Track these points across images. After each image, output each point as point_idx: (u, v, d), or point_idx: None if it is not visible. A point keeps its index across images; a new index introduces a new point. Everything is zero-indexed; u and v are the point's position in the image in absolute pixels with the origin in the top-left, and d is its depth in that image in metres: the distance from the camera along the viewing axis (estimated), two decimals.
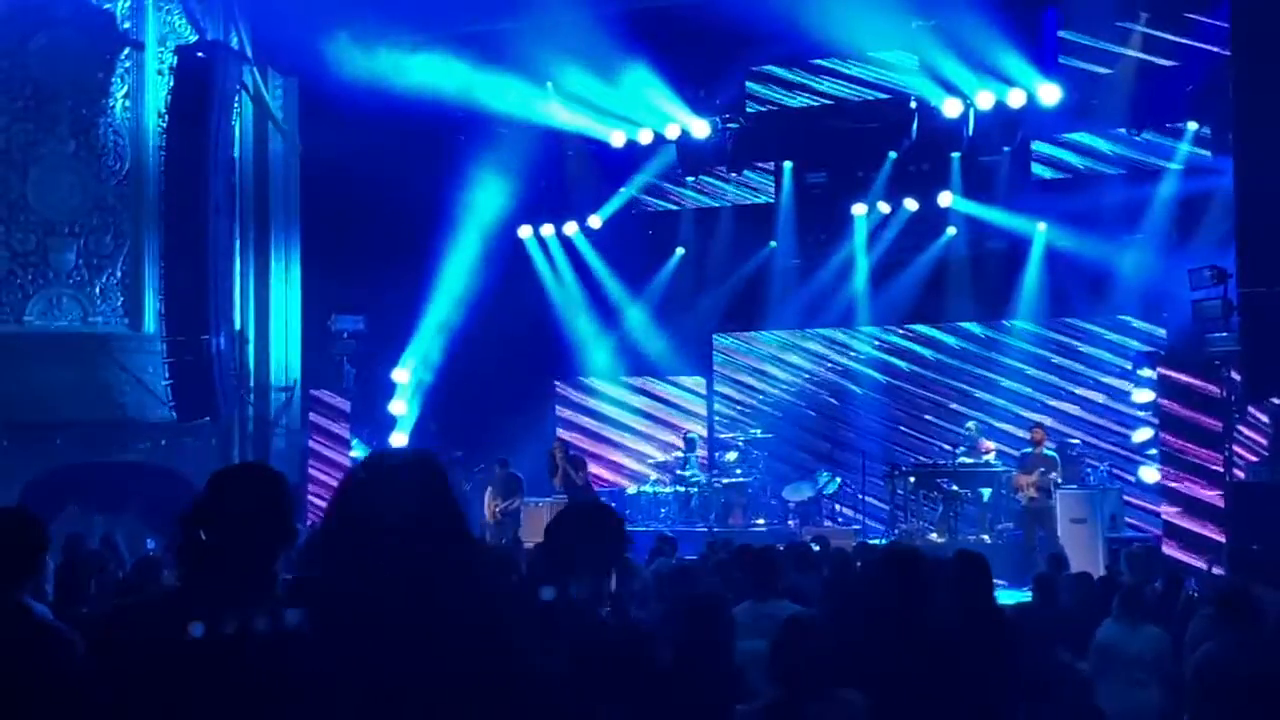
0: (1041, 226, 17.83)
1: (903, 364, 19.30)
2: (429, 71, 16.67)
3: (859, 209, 18.68)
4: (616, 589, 3.90)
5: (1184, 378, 13.99)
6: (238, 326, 17.42)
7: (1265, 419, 13.77)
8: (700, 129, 17.74)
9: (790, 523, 17.56)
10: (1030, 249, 17.96)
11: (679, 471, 18.57)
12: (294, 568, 3.24)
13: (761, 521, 17.82)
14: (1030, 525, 15.33)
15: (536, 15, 16.28)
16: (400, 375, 18.95)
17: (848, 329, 19.53)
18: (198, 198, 16.49)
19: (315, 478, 17.31)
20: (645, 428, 20.54)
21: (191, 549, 3.04)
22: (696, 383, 20.47)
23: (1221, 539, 13.06)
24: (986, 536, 15.92)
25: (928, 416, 18.87)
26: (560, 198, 19.52)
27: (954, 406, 18.50)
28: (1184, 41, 16.03)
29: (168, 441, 16.48)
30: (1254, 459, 13.73)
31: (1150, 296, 17.20)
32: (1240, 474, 13.54)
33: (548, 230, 20.05)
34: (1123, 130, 17.32)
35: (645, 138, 18.03)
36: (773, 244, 19.32)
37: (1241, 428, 13.75)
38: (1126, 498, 15.97)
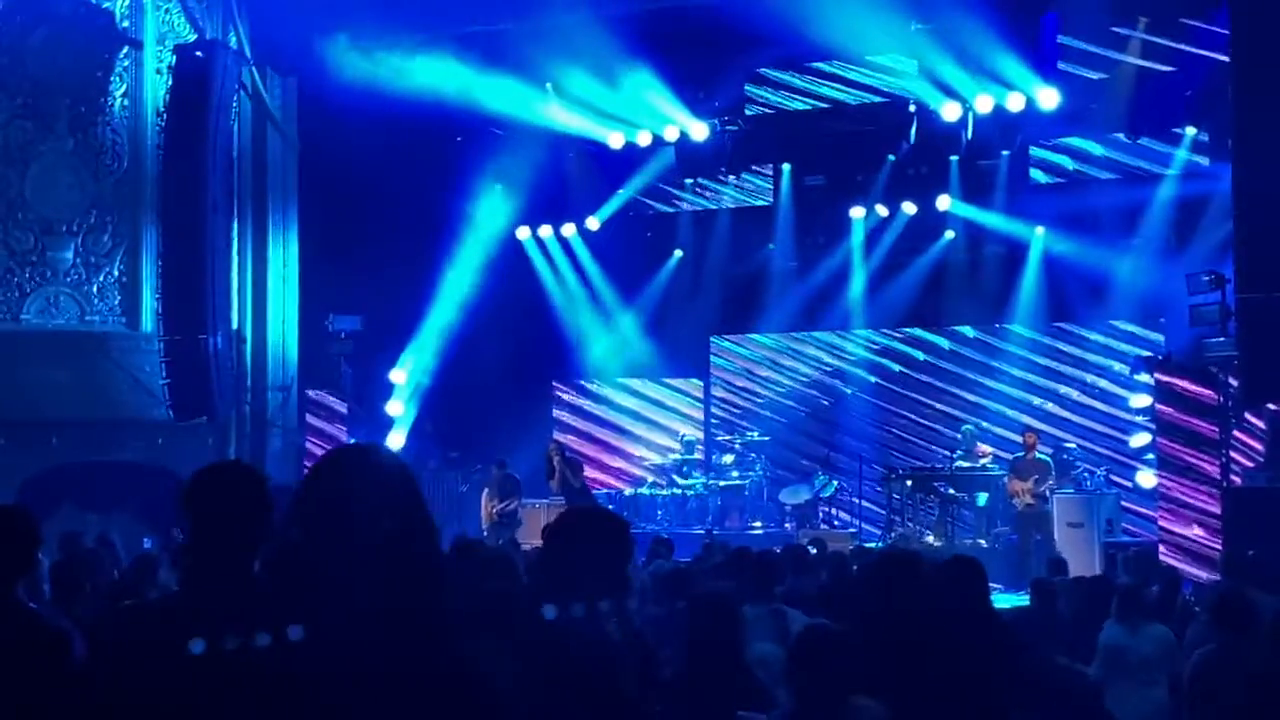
0: (1039, 231, 17.83)
1: (900, 367, 19.30)
2: (428, 72, 16.68)
3: (857, 212, 18.68)
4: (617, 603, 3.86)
5: (1181, 383, 13.99)
6: (235, 326, 17.41)
7: (1262, 425, 13.78)
8: (699, 131, 17.75)
9: (787, 525, 17.56)
10: (1028, 253, 17.97)
11: (676, 474, 18.57)
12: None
13: (758, 524, 17.82)
14: (1026, 530, 15.33)
15: (536, 17, 16.29)
16: (397, 376, 18.94)
17: (845, 332, 19.52)
18: (196, 197, 16.50)
19: None
20: (642, 430, 20.53)
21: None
22: (694, 385, 20.47)
23: (1217, 544, 13.07)
24: (983, 541, 15.93)
25: (924, 420, 18.87)
26: (559, 199, 19.51)
27: (951, 411, 18.49)
28: (1183, 48, 16.04)
29: (164, 441, 16.47)
30: (1250, 464, 13.74)
31: (1148, 301, 17.20)
32: (1237, 479, 13.55)
33: (546, 232, 20.05)
34: (1121, 135, 17.33)
35: (644, 140, 18.03)
36: (771, 247, 19.31)
37: (1238, 434, 13.76)
38: (1123, 503, 15.98)
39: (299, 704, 2.47)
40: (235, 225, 17.54)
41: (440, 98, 16.84)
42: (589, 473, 18.26)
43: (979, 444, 17.01)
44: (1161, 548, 13.46)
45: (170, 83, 16.66)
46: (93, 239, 16.88)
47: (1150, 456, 15.64)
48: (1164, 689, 7.27)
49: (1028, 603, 9.22)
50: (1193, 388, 13.87)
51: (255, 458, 17.42)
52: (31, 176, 16.57)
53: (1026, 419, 17.64)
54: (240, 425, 17.50)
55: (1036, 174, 18.18)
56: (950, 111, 16.51)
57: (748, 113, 18.76)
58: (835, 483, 17.97)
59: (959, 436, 17.42)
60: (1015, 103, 16.06)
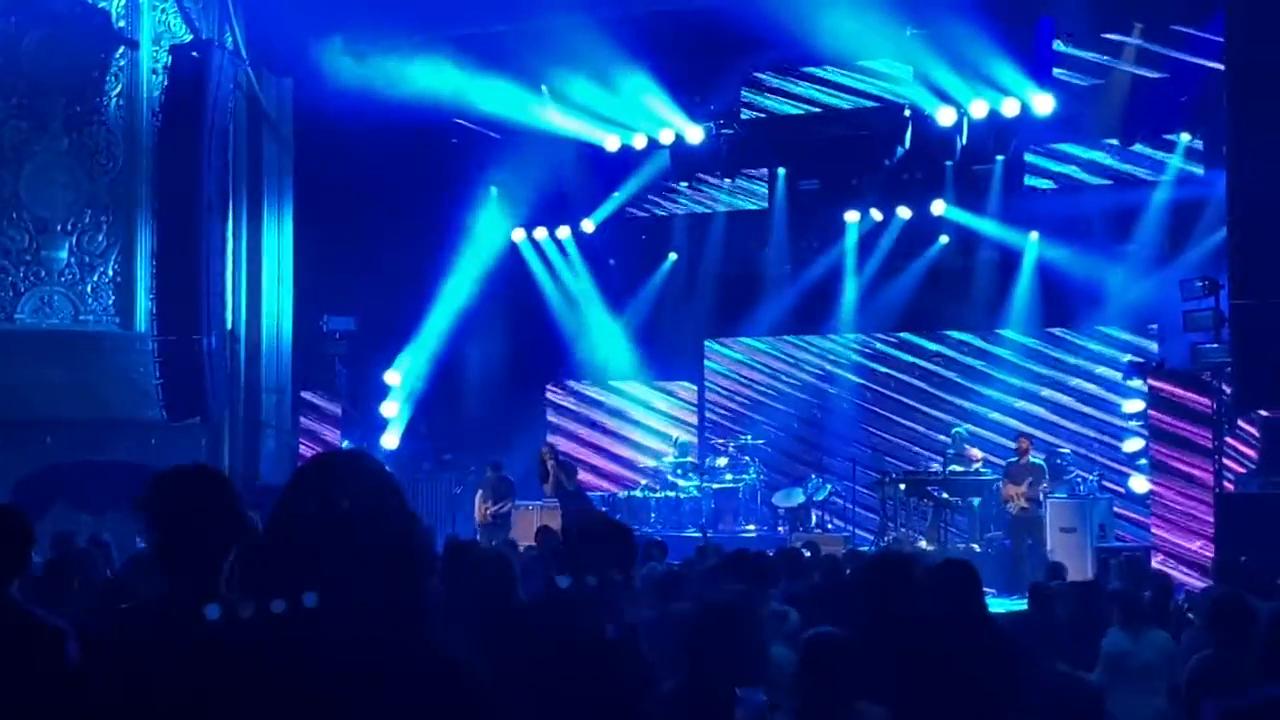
0: (1034, 236, 17.87)
1: (894, 372, 19.32)
2: (424, 74, 16.67)
3: (852, 216, 18.71)
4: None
5: (1174, 388, 14.02)
6: (229, 327, 17.38)
7: (1254, 431, 13.81)
8: (694, 135, 17.76)
9: (780, 529, 17.58)
10: (1022, 258, 18.00)
11: (669, 476, 18.57)
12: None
13: (751, 527, 17.82)
14: (1020, 534, 15.35)
15: (532, 19, 16.29)
16: (392, 377, 18.93)
17: (839, 336, 19.54)
18: (190, 197, 16.47)
19: None
20: (635, 433, 20.52)
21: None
22: (688, 388, 20.47)
23: (1209, 550, 13.09)
24: (976, 545, 15.95)
25: (918, 425, 18.88)
26: (554, 202, 19.50)
27: (944, 416, 18.50)
28: (1177, 56, 16.07)
29: (157, 441, 16.43)
30: (1241, 471, 13.77)
31: (1141, 307, 17.24)
32: (1229, 486, 13.58)
33: (541, 234, 20.05)
34: (1115, 142, 17.37)
35: (639, 143, 18.05)
36: (765, 250, 19.32)
37: (1230, 440, 13.79)
38: (1116, 509, 16.00)
39: (280, 706, 2.48)
40: (230, 226, 17.51)
41: (436, 100, 16.84)
42: (582, 475, 18.24)
43: (969, 448, 17.02)
44: (1154, 553, 13.50)
45: (166, 83, 16.64)
46: (87, 239, 16.85)
47: (1143, 462, 15.67)
48: (1164, 696, 7.30)
49: (1023, 608, 9.23)
50: (1186, 394, 13.90)
51: (249, 459, 17.43)
52: (26, 176, 16.54)
53: (1019, 424, 17.65)
54: (234, 426, 17.48)
55: (1031, 180, 18.21)
56: (945, 116, 16.54)
57: (743, 116, 18.77)
58: (829, 486, 17.99)
59: (948, 439, 17.43)
60: (1010, 108, 16.08)
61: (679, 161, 18.27)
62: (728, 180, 19.24)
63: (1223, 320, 13.69)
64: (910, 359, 19.25)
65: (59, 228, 16.73)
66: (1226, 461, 13.72)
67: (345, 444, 17.68)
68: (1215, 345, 13.86)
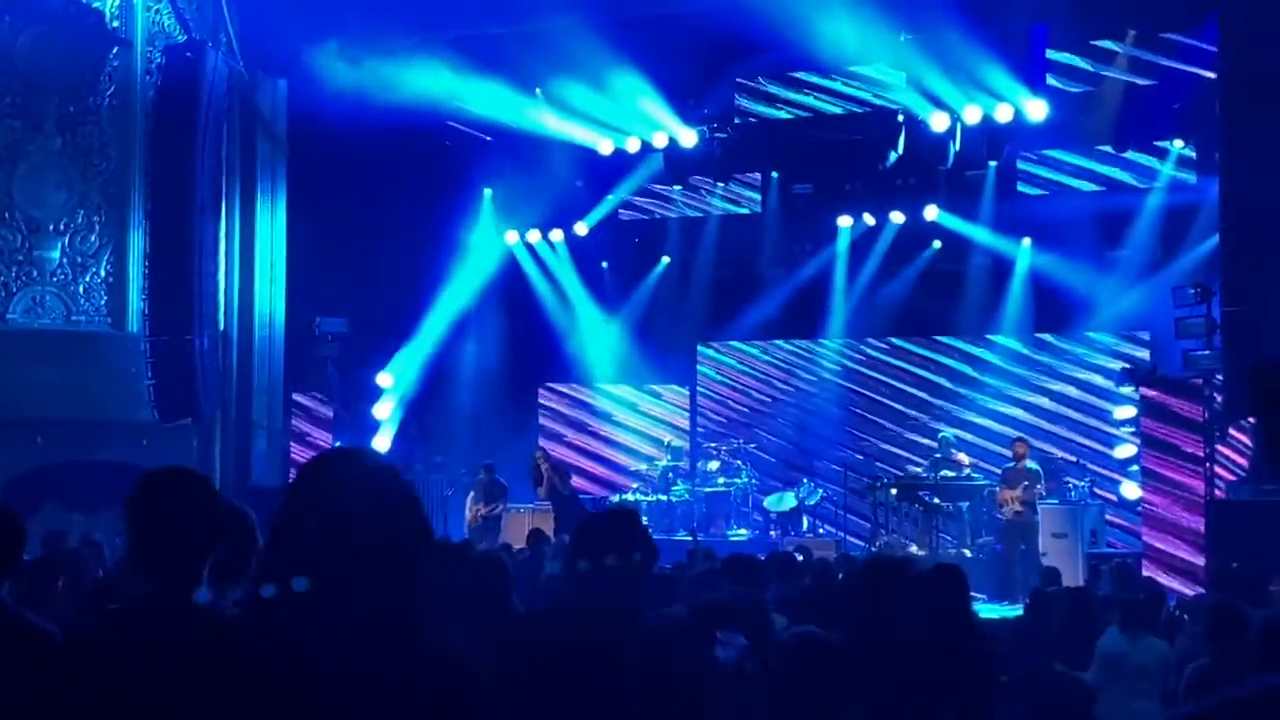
0: (1026, 242, 17.89)
1: (886, 377, 19.32)
2: (418, 76, 16.66)
3: (844, 221, 18.72)
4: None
5: (1166, 395, 14.05)
6: (221, 327, 17.36)
7: (1245, 439, 13.83)
8: (688, 138, 17.77)
9: (772, 533, 17.59)
10: (1015, 264, 18.01)
11: (661, 480, 18.56)
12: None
13: (743, 531, 17.83)
14: (1013, 540, 15.36)
15: (527, 22, 16.29)
16: (384, 379, 18.91)
17: (831, 341, 19.54)
18: (183, 197, 16.46)
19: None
20: (627, 436, 20.52)
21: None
22: (680, 392, 20.47)
23: (1201, 557, 13.12)
24: (967, 550, 15.94)
25: (909, 430, 18.89)
26: (547, 204, 19.50)
27: (935, 423, 18.50)
28: (1170, 64, 16.11)
29: (149, 442, 16.40)
30: (1232, 478, 13.79)
31: (1133, 314, 17.26)
32: (1220, 493, 13.59)
33: (534, 236, 20.04)
34: (1108, 148, 17.40)
35: (633, 146, 18.04)
36: (758, 254, 19.32)
37: (1221, 448, 13.81)
38: (1107, 516, 16.01)
39: (274, 706, 2.47)
40: (223, 226, 17.50)
41: (430, 102, 16.84)
42: (574, 480, 18.25)
43: (956, 452, 17.02)
44: (1144, 560, 13.51)
45: (159, 83, 16.62)
46: (80, 239, 16.82)
47: (1135, 468, 15.69)
48: (1156, 701, 7.32)
49: (1018, 612, 9.25)
50: (1178, 401, 13.92)
51: (240, 460, 17.40)
52: (19, 176, 16.50)
53: (1009, 429, 17.67)
54: (225, 427, 17.45)
55: (1024, 186, 18.23)
56: (938, 122, 16.55)
57: (737, 120, 18.77)
58: (820, 491, 17.99)
59: (935, 443, 17.42)
60: (1004, 114, 16.11)
61: (672, 165, 18.27)
62: (721, 184, 19.24)
63: (1215, 327, 13.72)
64: (902, 364, 19.26)
65: (51, 227, 16.70)
66: (1218, 469, 13.74)
67: (337, 445, 17.68)
68: (1207, 352, 13.89)
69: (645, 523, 15.65)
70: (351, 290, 17.91)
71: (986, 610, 11.98)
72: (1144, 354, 17.35)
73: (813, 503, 17.87)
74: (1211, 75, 14.84)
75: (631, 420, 20.57)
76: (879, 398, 19.29)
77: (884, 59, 17.28)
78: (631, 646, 3.66)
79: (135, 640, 2.94)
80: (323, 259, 17.68)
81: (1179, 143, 16.84)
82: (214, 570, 3.12)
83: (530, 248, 20.18)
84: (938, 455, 17.04)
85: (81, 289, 16.85)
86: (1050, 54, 16.32)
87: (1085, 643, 7.72)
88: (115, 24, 16.94)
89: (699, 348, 20.40)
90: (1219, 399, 13.74)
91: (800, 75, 18.66)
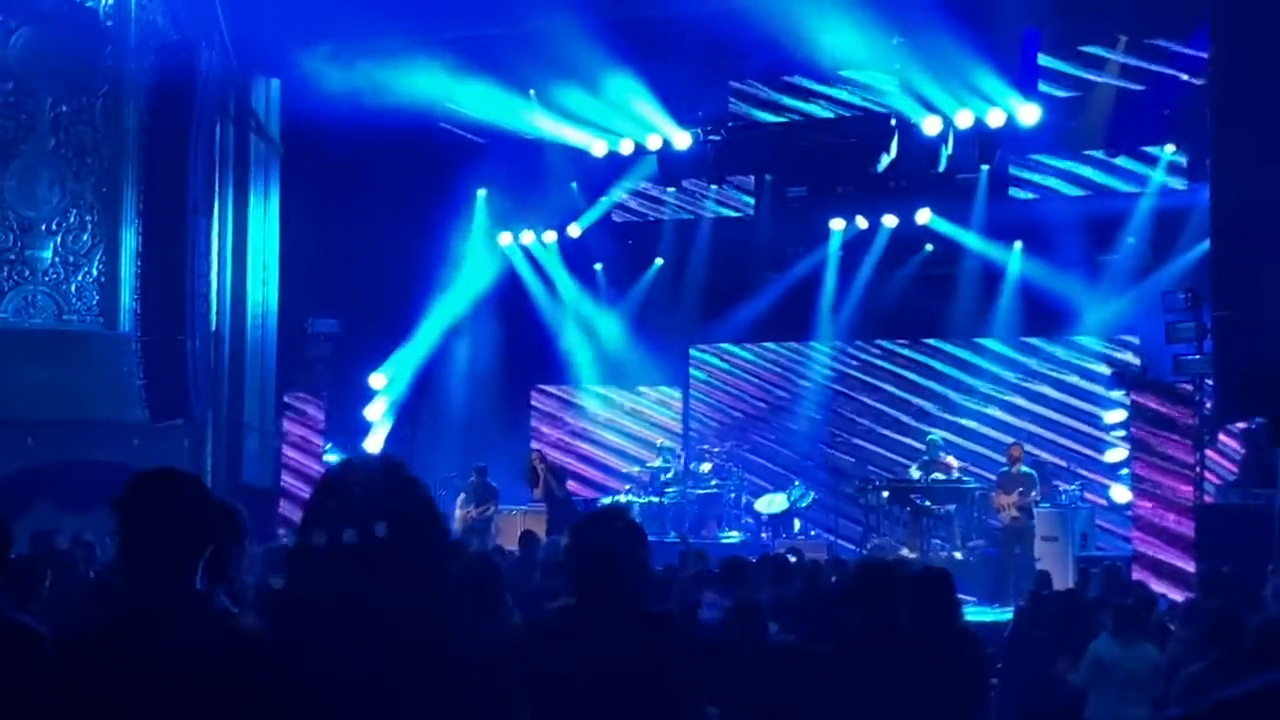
0: (1017, 246, 17.91)
1: (878, 380, 19.34)
2: (411, 77, 16.65)
3: (837, 224, 18.73)
4: None
5: (1156, 399, 14.08)
6: (213, 327, 17.33)
7: (1235, 444, 13.87)
8: (681, 140, 17.76)
9: (763, 535, 17.60)
10: (1006, 268, 18.04)
11: (652, 482, 18.56)
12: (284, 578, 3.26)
13: (735, 533, 17.84)
14: (1008, 544, 15.38)
15: (521, 24, 16.27)
16: (377, 380, 18.89)
17: (823, 343, 19.56)
18: (176, 197, 16.44)
19: (288, 480, 17.26)
20: (619, 439, 20.52)
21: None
22: (672, 394, 20.46)
23: (1190, 562, 13.14)
24: (958, 553, 15.96)
25: (901, 433, 18.91)
26: (541, 206, 19.50)
27: (926, 426, 18.51)
28: (1161, 70, 16.16)
29: (140, 442, 16.37)
30: (1219, 483, 13.83)
31: (1123, 318, 17.30)
32: (1210, 498, 13.63)
33: (528, 238, 20.04)
34: (1099, 153, 17.44)
35: (626, 148, 18.04)
36: (751, 256, 19.32)
37: (1211, 452, 13.85)
38: (1099, 522, 16.04)
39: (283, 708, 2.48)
40: (215, 226, 17.47)
41: (423, 103, 16.83)
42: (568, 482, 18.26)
43: (944, 455, 17.04)
44: (1133, 564, 13.53)
45: (153, 83, 16.60)
46: (72, 238, 16.80)
47: (1125, 472, 15.73)
48: (1147, 708, 7.33)
49: (1012, 616, 9.27)
50: (1167, 405, 13.96)
51: (231, 460, 17.37)
52: (11, 175, 16.49)
53: (999, 434, 17.71)
54: (217, 427, 17.42)
55: (1015, 190, 18.27)
56: (931, 126, 16.57)
57: (730, 123, 18.78)
58: (812, 493, 18.00)
59: (923, 446, 17.43)
60: (995, 118, 16.13)
61: (666, 167, 18.26)
62: (714, 186, 19.24)
63: (1205, 331, 13.75)
64: (893, 368, 19.28)
65: (44, 227, 16.68)
66: (1207, 473, 13.78)
67: (328, 446, 17.68)
68: (1197, 357, 13.93)
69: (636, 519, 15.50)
70: (344, 291, 17.89)
71: (978, 614, 12.00)
72: (1133, 359, 17.39)
73: (804, 505, 17.88)
74: (1200, 82, 14.89)
75: (624, 422, 20.57)
76: (870, 401, 19.31)
77: (877, 63, 17.29)
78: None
79: (135, 638, 2.95)
80: (316, 259, 17.66)
81: (1170, 148, 16.89)
82: (204, 568, 3.12)
83: (524, 249, 20.17)
84: (925, 458, 17.06)
85: (73, 288, 16.83)
86: (1042, 60, 16.35)
87: (1078, 645, 7.74)
88: (109, 23, 16.93)
89: (691, 350, 20.40)
90: (1209, 404, 13.77)
91: (794, 79, 18.67)
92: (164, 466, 3.27)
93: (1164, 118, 16.34)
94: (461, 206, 19.43)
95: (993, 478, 16.44)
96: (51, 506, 14.78)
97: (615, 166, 18.75)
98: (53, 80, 16.63)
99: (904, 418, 18.99)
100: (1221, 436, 14.21)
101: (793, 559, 10.60)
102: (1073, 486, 16.29)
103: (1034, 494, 15.48)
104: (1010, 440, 16.98)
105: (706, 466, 18.66)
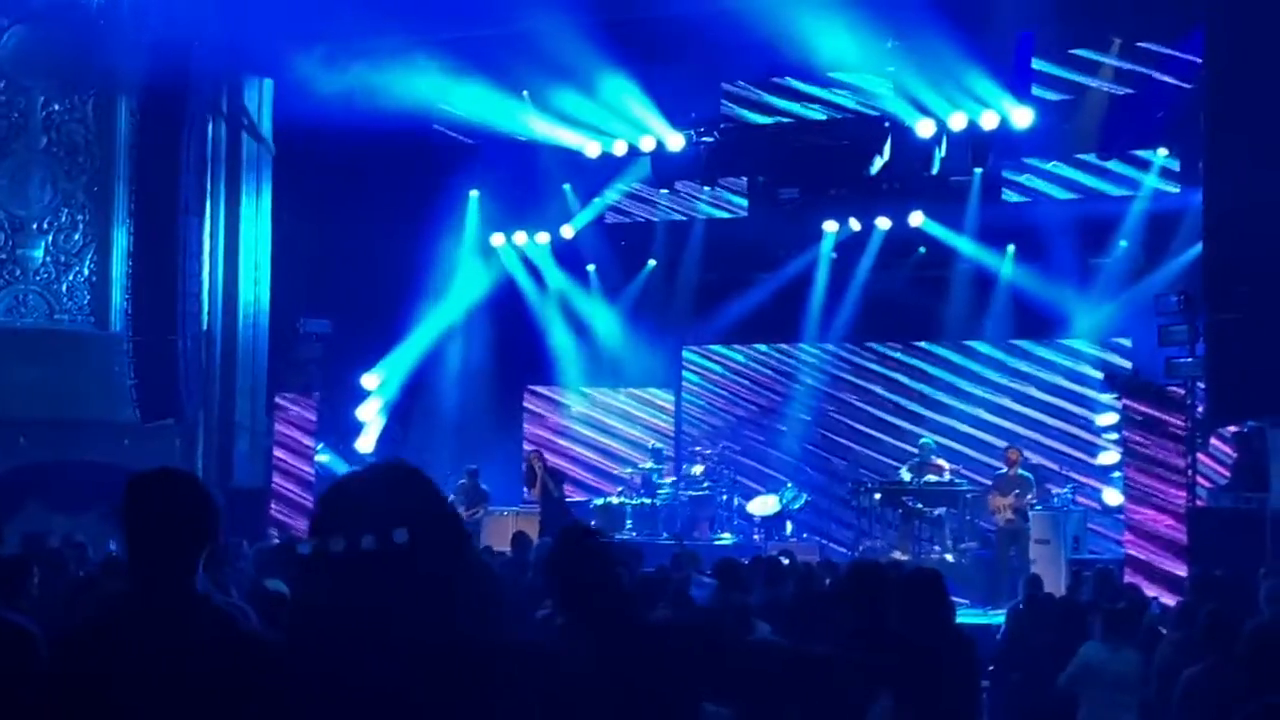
0: (1010, 249, 17.93)
1: (870, 383, 19.35)
2: (405, 78, 16.63)
3: (830, 226, 18.73)
4: None
5: (1148, 403, 14.10)
6: (204, 327, 17.31)
7: (1226, 448, 13.89)
8: (675, 142, 17.76)
9: (756, 537, 17.59)
10: (999, 271, 18.06)
11: (644, 483, 18.56)
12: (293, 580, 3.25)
13: (727, 535, 17.84)
14: (1004, 546, 15.39)
15: (514, 25, 16.26)
16: (369, 381, 18.86)
17: (816, 345, 19.56)
18: (168, 196, 16.43)
19: (279, 481, 17.23)
20: (611, 440, 20.50)
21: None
22: (664, 396, 20.46)
23: (1182, 565, 13.16)
24: (950, 556, 15.96)
25: (893, 436, 18.91)
26: (534, 207, 19.49)
27: (919, 428, 18.51)
28: (1153, 74, 16.18)
29: (131, 442, 16.34)
30: (1211, 487, 13.85)
31: (1115, 321, 17.33)
32: (1202, 501, 13.65)
33: (520, 239, 20.02)
34: (1092, 156, 17.46)
35: (620, 149, 18.04)
36: (744, 258, 19.32)
37: (1202, 456, 13.87)
38: (1091, 525, 16.06)
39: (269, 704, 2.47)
40: (207, 225, 17.45)
41: (417, 104, 16.81)
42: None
43: (936, 459, 17.05)
44: (1125, 567, 13.55)
45: (145, 82, 16.57)
46: (63, 237, 16.77)
47: (1117, 475, 15.74)
48: (1134, 713, 7.33)
49: (1001, 619, 9.27)
50: (1160, 409, 13.98)
51: (222, 460, 17.35)
52: (3, 174, 16.46)
53: (991, 437, 17.72)
54: (208, 427, 17.40)
55: (1008, 193, 18.28)
56: (924, 128, 16.57)
57: (723, 125, 18.77)
58: (804, 495, 18.00)
59: (915, 449, 17.44)
60: (989, 121, 16.14)
61: (659, 168, 18.26)
62: (707, 188, 19.24)
63: (1197, 335, 13.77)
64: (885, 370, 19.28)
65: (35, 226, 16.65)
66: (1199, 477, 13.80)
67: (320, 447, 17.65)
68: (1190, 360, 13.95)
69: (629, 526, 15.54)
70: (336, 291, 17.86)
71: (971, 616, 12.01)
72: (1125, 362, 17.41)
73: (796, 507, 17.87)
74: (1192, 86, 14.92)
75: (616, 423, 20.55)
76: (862, 403, 19.31)
77: (870, 65, 17.29)
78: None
79: (133, 637, 2.93)
80: (307, 260, 17.63)
81: (1163, 151, 16.93)
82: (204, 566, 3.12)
83: (517, 250, 20.15)
84: (917, 460, 17.07)
85: (64, 288, 16.80)
86: (1035, 63, 16.36)
87: (1074, 648, 7.75)
88: (101, 22, 16.90)
89: (684, 351, 20.40)
90: (1201, 407, 13.79)
91: (787, 81, 18.67)
92: (162, 466, 3.27)
93: (1157, 121, 16.36)
94: (454, 207, 19.42)
95: (985, 481, 16.45)
96: (42, 506, 14.75)
97: (608, 168, 18.75)
98: (45, 79, 16.60)
99: (896, 420, 18.99)
100: (1213, 440, 14.23)
101: (785, 561, 10.61)
102: (1065, 489, 16.30)
103: (1030, 496, 15.49)
104: (1003, 444, 16.98)
105: (699, 468, 18.66)
